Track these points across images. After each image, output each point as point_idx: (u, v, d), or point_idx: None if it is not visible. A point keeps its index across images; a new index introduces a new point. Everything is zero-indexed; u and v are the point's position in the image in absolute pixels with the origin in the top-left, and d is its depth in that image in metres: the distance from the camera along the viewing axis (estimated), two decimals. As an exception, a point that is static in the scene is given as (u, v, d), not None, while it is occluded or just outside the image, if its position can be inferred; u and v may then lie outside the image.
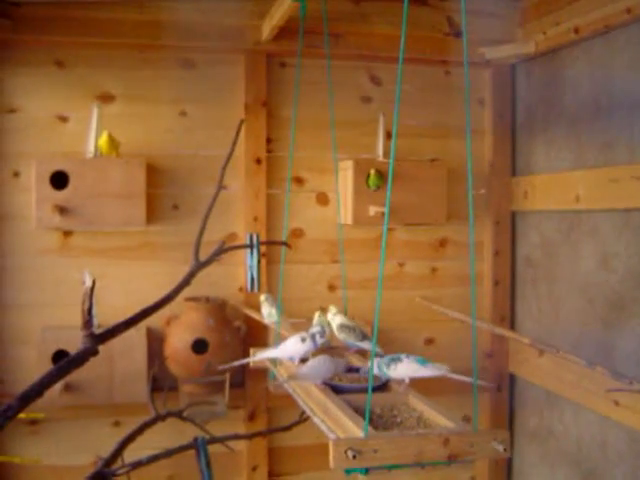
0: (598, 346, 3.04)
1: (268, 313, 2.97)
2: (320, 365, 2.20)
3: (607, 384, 2.70)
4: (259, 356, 2.62)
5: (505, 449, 1.79)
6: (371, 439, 1.74)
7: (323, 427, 1.92)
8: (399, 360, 2.18)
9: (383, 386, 2.27)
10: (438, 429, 1.90)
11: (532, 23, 3.41)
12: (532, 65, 3.54)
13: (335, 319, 2.74)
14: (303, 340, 2.41)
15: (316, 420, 1.99)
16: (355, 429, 1.81)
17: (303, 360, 2.39)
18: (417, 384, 2.24)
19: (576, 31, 3.05)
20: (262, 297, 2.99)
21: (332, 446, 1.71)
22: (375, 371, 2.21)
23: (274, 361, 2.63)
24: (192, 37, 3.23)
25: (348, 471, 1.75)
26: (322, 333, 2.48)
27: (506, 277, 3.72)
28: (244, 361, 2.74)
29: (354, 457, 1.69)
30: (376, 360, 2.20)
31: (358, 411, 1.94)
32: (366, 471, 1.75)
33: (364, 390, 2.07)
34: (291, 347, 2.43)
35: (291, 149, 3.13)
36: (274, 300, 2.96)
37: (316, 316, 2.85)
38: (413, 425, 1.97)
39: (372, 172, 3.27)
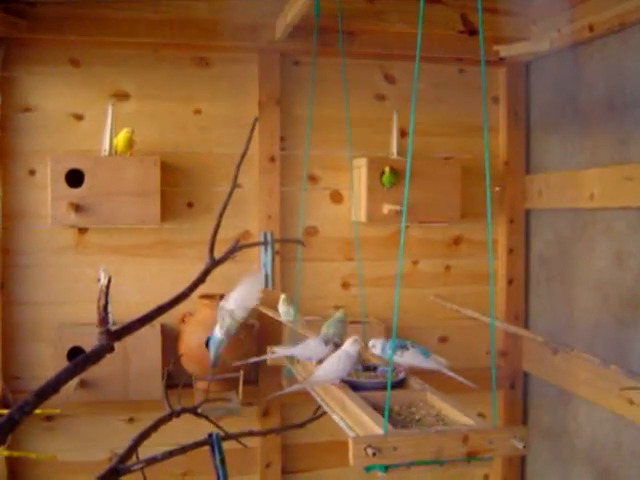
0: (612, 344, 3.03)
1: (286, 311, 2.98)
2: (335, 365, 2.19)
3: (621, 383, 2.70)
4: (278, 353, 2.60)
5: (524, 446, 1.79)
6: (391, 437, 1.74)
7: (342, 424, 1.93)
8: (405, 348, 2.21)
9: (401, 383, 2.27)
10: (457, 426, 1.90)
11: (546, 20, 3.40)
12: (546, 63, 3.53)
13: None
14: (326, 343, 2.38)
15: (335, 417, 2.00)
16: (374, 427, 1.81)
17: (320, 360, 2.39)
18: (430, 381, 2.25)
19: (591, 28, 3.03)
20: (282, 296, 3.01)
21: (352, 444, 1.71)
22: (379, 352, 2.24)
23: (291, 358, 2.63)
24: (206, 36, 3.24)
25: (368, 468, 1.75)
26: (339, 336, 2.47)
27: (520, 275, 3.71)
28: (263, 357, 2.72)
29: (374, 454, 1.69)
30: (384, 343, 2.23)
31: (376, 408, 1.94)
32: (385, 468, 1.75)
33: (383, 387, 2.07)
34: (313, 349, 2.39)
35: (307, 147, 3.14)
36: (292, 301, 2.96)
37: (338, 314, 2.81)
38: (432, 422, 1.98)
39: (387, 170, 3.27)
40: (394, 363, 2.26)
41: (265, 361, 3.15)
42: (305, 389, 2.32)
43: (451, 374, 2.18)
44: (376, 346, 2.30)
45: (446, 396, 2.11)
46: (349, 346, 2.20)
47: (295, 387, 2.30)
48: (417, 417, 2.02)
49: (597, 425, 3.17)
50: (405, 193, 1.81)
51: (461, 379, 2.16)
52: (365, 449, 1.70)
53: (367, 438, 1.75)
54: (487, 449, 1.79)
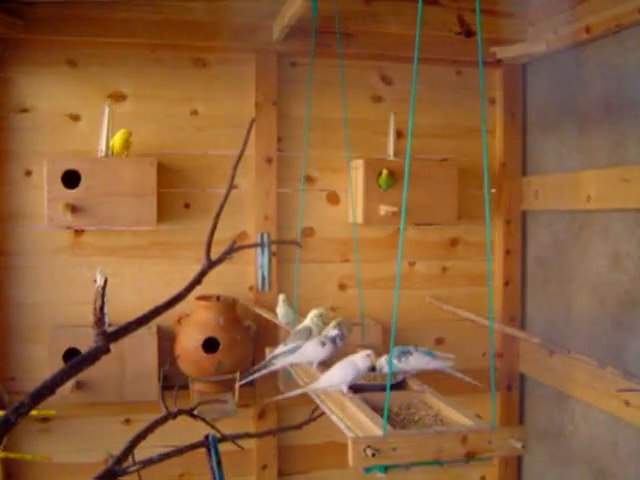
0: (609, 346, 3.03)
1: (284, 313, 2.97)
2: (341, 373, 2.16)
3: (618, 384, 2.70)
4: (279, 364, 2.54)
5: (523, 446, 1.78)
6: (390, 437, 1.74)
7: (341, 425, 1.92)
8: (409, 353, 2.21)
9: (400, 384, 2.27)
10: (456, 427, 1.90)
11: (543, 22, 3.40)
12: (543, 64, 3.53)
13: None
14: (323, 344, 2.36)
15: (334, 418, 1.99)
16: (373, 427, 1.81)
17: (322, 363, 2.37)
18: (429, 382, 2.25)
19: (587, 30, 3.04)
20: (281, 296, 2.99)
21: (351, 444, 1.71)
22: (385, 364, 2.22)
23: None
24: (204, 36, 3.24)
25: (367, 469, 1.75)
26: (341, 336, 2.43)
27: (517, 277, 3.71)
28: (264, 372, 2.65)
29: (373, 455, 1.69)
30: (387, 354, 2.21)
31: (376, 409, 1.94)
32: (385, 469, 1.75)
33: (382, 388, 2.07)
34: (311, 352, 2.37)
35: (305, 148, 3.14)
36: (291, 303, 2.96)
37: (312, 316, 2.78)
38: (431, 423, 1.98)
39: (384, 172, 3.27)
40: (401, 370, 2.26)
41: (262, 362, 3.15)
42: (300, 382, 2.32)
43: (458, 375, 2.18)
44: (382, 363, 2.29)
45: (445, 397, 2.12)
46: (360, 359, 2.16)
47: (297, 392, 2.28)
48: (416, 418, 2.02)
49: (594, 426, 3.17)
50: (404, 194, 1.81)
51: (467, 378, 2.17)
52: (364, 450, 1.70)
53: (366, 439, 1.75)
54: (486, 449, 1.79)
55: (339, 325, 2.56)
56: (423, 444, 1.76)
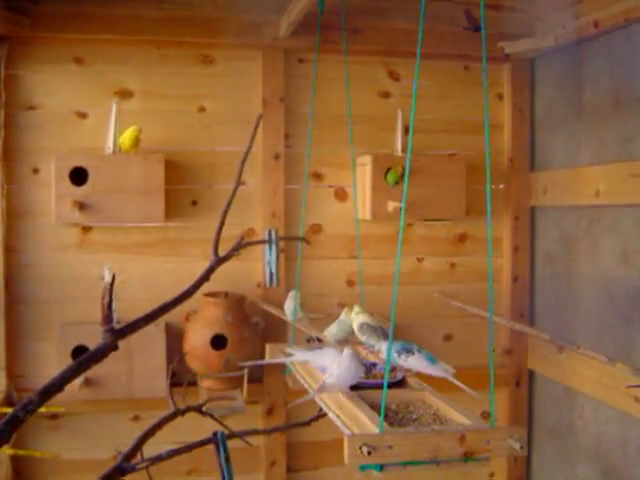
0: (618, 342, 3.02)
1: (292, 310, 2.97)
2: (347, 372, 2.13)
3: (627, 380, 2.69)
4: (294, 358, 2.49)
5: (522, 447, 1.77)
6: (386, 435, 1.73)
7: (338, 423, 1.91)
8: (411, 352, 2.19)
9: (399, 382, 2.26)
10: (454, 426, 1.89)
11: (551, 17, 3.38)
12: (551, 59, 3.52)
13: (357, 318, 2.66)
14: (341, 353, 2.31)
15: (331, 416, 1.98)
16: (370, 425, 1.80)
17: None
18: (435, 380, 2.24)
19: (596, 25, 3.02)
20: (290, 294, 2.99)
21: (347, 442, 1.70)
22: (384, 355, 2.21)
23: (289, 356, 2.61)
24: (210, 33, 3.24)
25: (363, 467, 1.74)
26: (371, 347, 2.40)
27: (525, 273, 3.70)
28: (278, 360, 2.62)
29: (369, 453, 1.68)
30: (387, 343, 2.20)
31: (374, 407, 1.93)
32: (381, 468, 1.74)
33: (380, 386, 2.06)
34: (329, 359, 2.29)
35: (308, 145, 3.13)
36: (300, 300, 2.96)
37: (342, 314, 2.80)
38: (429, 422, 1.96)
39: (399, 169, 3.24)
40: (398, 366, 2.24)
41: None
42: (304, 385, 2.30)
43: (457, 383, 2.16)
44: (381, 351, 2.27)
45: (444, 396, 2.10)
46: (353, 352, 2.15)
47: (307, 397, 2.25)
48: (414, 416, 2.01)
49: (603, 423, 3.16)
50: (404, 189, 1.80)
51: (466, 389, 2.14)
52: (360, 447, 1.69)
53: (362, 436, 1.74)
54: (484, 449, 1.77)
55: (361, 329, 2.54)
56: (420, 443, 1.74)
